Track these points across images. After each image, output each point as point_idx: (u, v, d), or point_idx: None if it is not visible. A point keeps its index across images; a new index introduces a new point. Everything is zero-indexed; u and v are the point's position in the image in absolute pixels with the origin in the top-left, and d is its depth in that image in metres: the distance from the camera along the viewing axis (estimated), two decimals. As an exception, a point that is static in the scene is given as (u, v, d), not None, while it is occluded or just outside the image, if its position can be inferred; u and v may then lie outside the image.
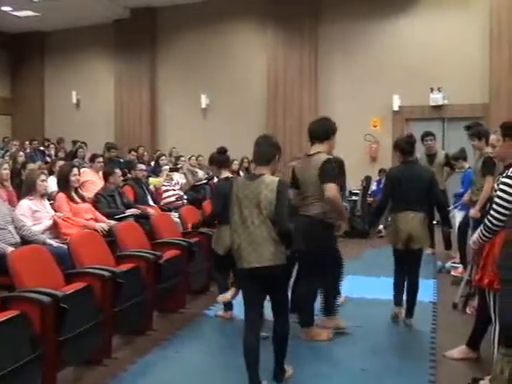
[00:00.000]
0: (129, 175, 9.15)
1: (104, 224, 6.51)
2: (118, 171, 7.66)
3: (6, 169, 7.52)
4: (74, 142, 13.95)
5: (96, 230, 6.15)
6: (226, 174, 5.93)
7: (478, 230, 4.11)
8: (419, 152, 7.97)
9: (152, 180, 9.14)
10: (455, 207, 7.90)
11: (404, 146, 5.66)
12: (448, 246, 8.69)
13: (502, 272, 3.86)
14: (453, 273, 7.46)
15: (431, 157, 8.71)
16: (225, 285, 5.74)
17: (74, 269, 4.88)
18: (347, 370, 4.57)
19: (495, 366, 3.81)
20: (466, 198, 7.26)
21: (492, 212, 3.88)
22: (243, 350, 4.00)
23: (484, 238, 4.04)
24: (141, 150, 13.22)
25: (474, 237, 4.20)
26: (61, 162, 8.66)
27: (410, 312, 5.56)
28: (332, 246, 5.32)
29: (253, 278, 4.03)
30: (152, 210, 7.68)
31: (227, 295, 5.33)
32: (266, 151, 4.17)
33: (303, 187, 5.09)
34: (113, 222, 6.60)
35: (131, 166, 9.26)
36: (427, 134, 8.86)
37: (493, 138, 5.49)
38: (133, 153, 12.66)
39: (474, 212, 6.41)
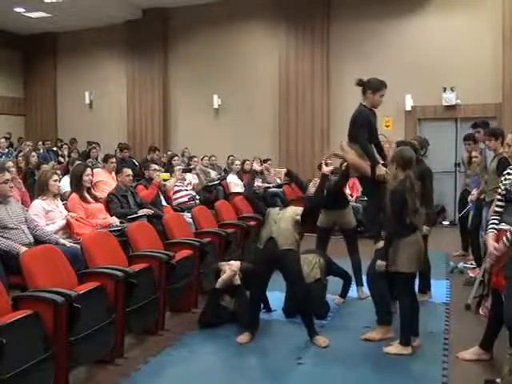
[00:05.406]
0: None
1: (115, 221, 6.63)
2: (126, 170, 7.64)
3: (12, 167, 7.67)
4: (89, 143, 13.96)
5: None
6: None
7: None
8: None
9: (162, 175, 8.88)
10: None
11: None
12: None
13: (509, 271, 3.84)
14: (470, 273, 7.41)
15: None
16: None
17: (87, 269, 4.90)
18: (357, 371, 4.55)
19: (504, 366, 3.80)
20: (472, 197, 7.22)
21: None
22: None
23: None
24: (156, 153, 12.76)
25: (499, 244, 4.19)
26: (78, 162, 8.67)
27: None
28: None
29: None
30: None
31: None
32: None
33: None
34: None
35: (145, 166, 9.23)
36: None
37: (510, 137, 5.49)
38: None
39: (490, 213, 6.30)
